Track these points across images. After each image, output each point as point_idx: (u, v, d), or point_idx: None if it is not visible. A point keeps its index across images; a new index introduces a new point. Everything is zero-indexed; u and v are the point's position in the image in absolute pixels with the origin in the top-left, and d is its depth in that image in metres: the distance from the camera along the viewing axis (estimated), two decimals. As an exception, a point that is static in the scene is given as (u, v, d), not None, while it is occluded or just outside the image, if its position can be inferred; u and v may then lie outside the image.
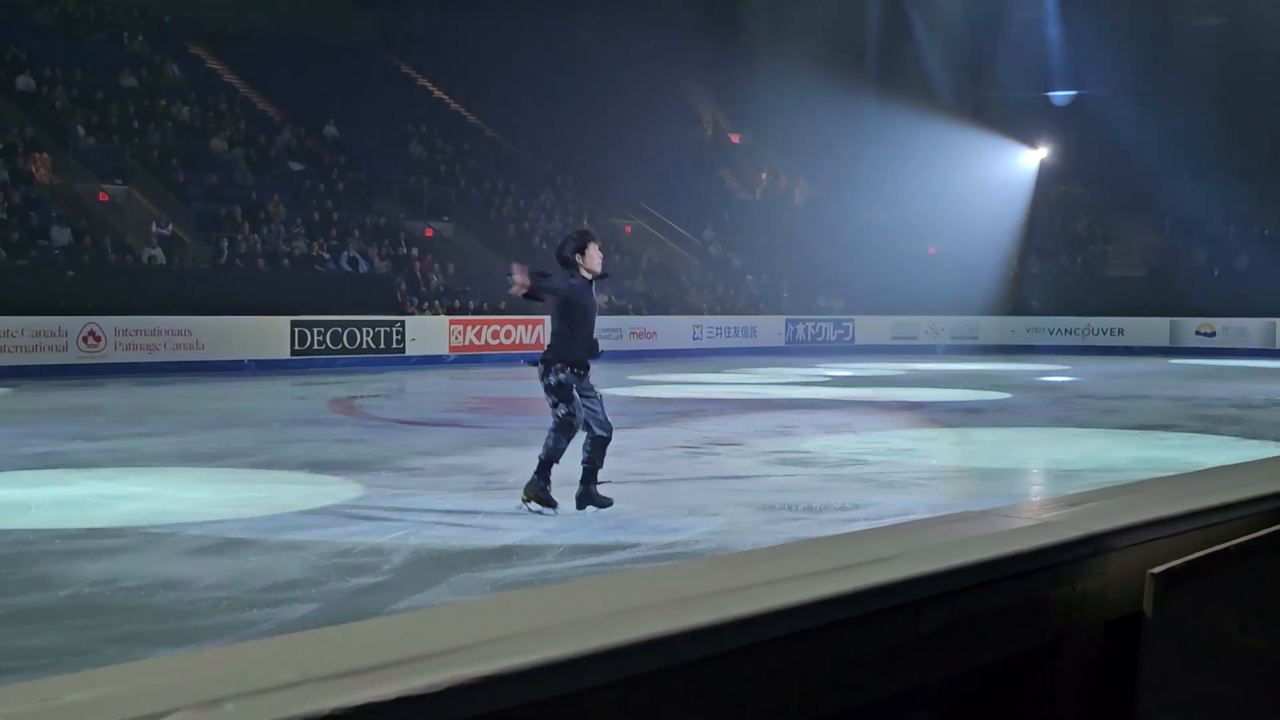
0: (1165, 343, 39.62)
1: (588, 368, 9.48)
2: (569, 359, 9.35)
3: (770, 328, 39.86)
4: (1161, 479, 2.41)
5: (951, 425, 16.90)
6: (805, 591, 1.43)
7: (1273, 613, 2.22)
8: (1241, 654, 2.11)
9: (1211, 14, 47.56)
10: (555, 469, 9.41)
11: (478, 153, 43.06)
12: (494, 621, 1.28)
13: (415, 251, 35.71)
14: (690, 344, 37.11)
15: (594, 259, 9.61)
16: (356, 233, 34.89)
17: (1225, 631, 2.06)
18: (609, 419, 9.46)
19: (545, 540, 8.59)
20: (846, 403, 20.67)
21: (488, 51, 44.80)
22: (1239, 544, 2.05)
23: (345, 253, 33.68)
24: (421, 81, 45.32)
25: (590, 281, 9.63)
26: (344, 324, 30.13)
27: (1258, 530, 2.14)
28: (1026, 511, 2.03)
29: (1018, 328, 41.68)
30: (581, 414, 9.37)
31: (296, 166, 37.31)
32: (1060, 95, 49.04)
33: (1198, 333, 40.04)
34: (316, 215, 34.81)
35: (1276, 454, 12.62)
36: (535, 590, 1.43)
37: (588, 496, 9.43)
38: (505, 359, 32.05)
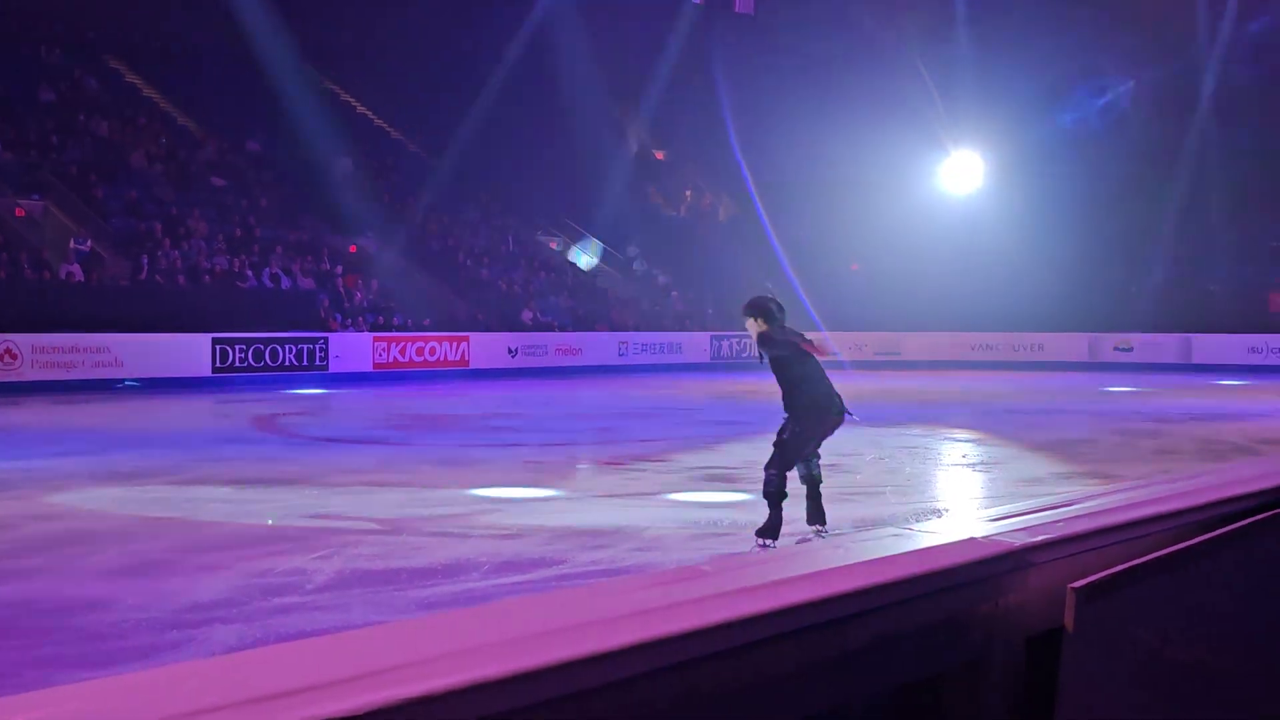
0: (1084, 358, 40.19)
1: None
2: None
3: (695, 344, 39.97)
4: (1081, 494, 2.43)
5: (878, 441, 17.00)
6: (728, 610, 1.43)
7: (1192, 625, 2.25)
8: (1161, 666, 2.14)
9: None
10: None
11: (401, 169, 42.85)
12: (418, 642, 1.27)
13: (339, 268, 35.44)
14: (616, 360, 37.12)
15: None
16: (279, 249, 34.59)
17: (1145, 644, 2.08)
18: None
19: (470, 559, 8.54)
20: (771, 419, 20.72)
21: (413, 67, 44.64)
22: (1158, 557, 2.07)
23: (268, 269, 33.36)
24: (345, 97, 45.03)
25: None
26: (266, 341, 29.83)
27: (1176, 543, 2.17)
28: (949, 528, 2.04)
29: (941, 343, 42.08)
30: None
31: (218, 182, 36.92)
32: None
33: (1115, 348, 40.66)
34: (238, 231, 34.46)
35: (1193, 468, 12.84)
36: (460, 611, 1.42)
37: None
38: (429, 375, 31.89)
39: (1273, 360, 38.17)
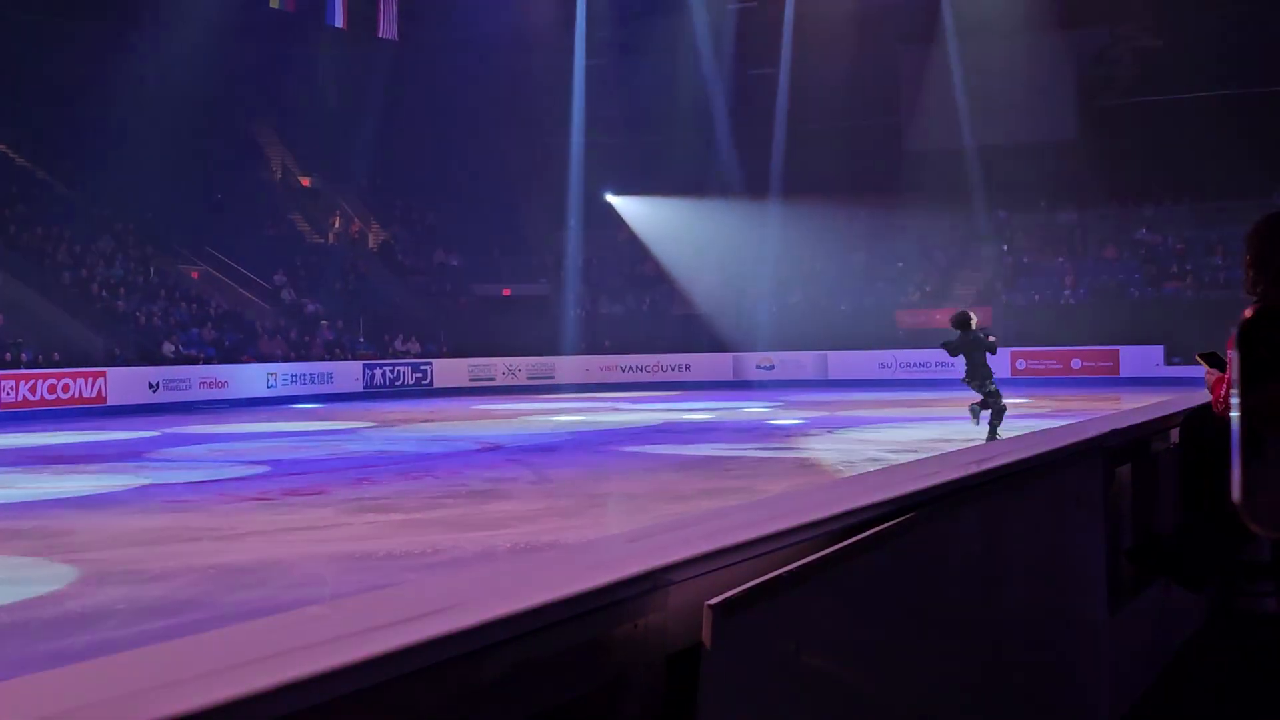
0: (729, 377, 41.61)
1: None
2: None
3: (347, 372, 39.31)
4: (718, 509, 2.48)
5: (528, 464, 17.10)
6: (364, 648, 1.38)
7: (825, 632, 2.32)
8: (799, 675, 2.19)
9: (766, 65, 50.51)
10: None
11: (28, 197, 40.52)
12: (52, 698, 1.17)
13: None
14: (265, 392, 36.12)
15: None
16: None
17: (782, 654, 2.13)
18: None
19: (108, 606, 8.10)
20: (424, 447, 20.60)
21: (37, 89, 42.27)
22: (791, 570, 2.12)
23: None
24: (-38, 121, 42.28)
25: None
26: (-124, 382, 27.69)
27: (808, 555, 2.23)
28: (592, 550, 2.04)
29: (592, 366, 42.76)
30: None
31: None
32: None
33: (758, 366, 42.28)
34: None
35: (829, 480, 13.43)
36: (90, 663, 1.32)
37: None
38: (61, 415, 30.25)
39: (900, 374, 40.50)
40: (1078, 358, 39.46)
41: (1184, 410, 5.48)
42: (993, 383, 17.48)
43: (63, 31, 44.20)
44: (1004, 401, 17.72)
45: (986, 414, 17.55)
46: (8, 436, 25.03)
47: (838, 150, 46.77)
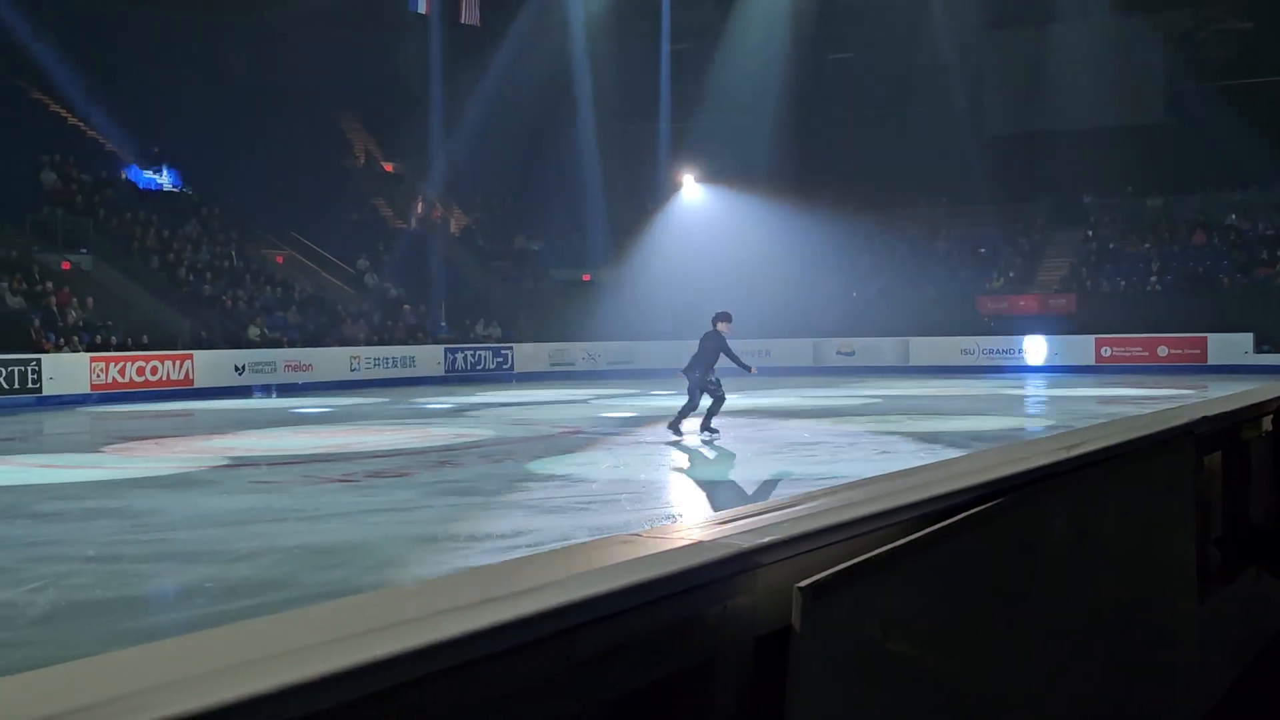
0: (809, 363, 41.45)
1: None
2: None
3: (429, 356, 39.64)
4: (806, 494, 2.48)
5: (608, 448, 17.15)
6: (457, 626, 1.39)
7: (910, 619, 2.31)
8: (884, 660, 2.19)
9: (844, 49, 50.22)
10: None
11: (117, 182, 41.21)
12: (144, 672, 1.19)
13: (51, 286, 33.87)
14: (348, 375, 36.52)
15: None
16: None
17: (869, 640, 2.13)
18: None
19: (195, 585, 8.24)
20: (505, 431, 20.71)
21: (126, 77, 42.92)
22: (878, 554, 2.12)
23: (-28, 289, 31.68)
24: (54, 108, 43.01)
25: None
26: (-28, 364, 28.31)
27: (894, 540, 2.22)
28: (677, 532, 2.05)
29: (672, 352, 42.73)
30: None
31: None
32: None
33: (839, 352, 42.10)
34: (-61, 249, 32.64)
35: (911, 465, 13.34)
36: (185, 638, 1.34)
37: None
38: (152, 396, 30.76)
39: (983, 361, 40.15)
40: (1164, 345, 38.88)
41: (1277, 398, 5.38)
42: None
43: (152, 19, 44.89)
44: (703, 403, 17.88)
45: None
46: (98, 419, 25.52)
47: (918, 135, 46.46)
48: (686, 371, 17.99)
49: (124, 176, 41.89)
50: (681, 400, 18.36)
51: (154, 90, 42.99)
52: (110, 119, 42.68)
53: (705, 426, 17.74)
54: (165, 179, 42.79)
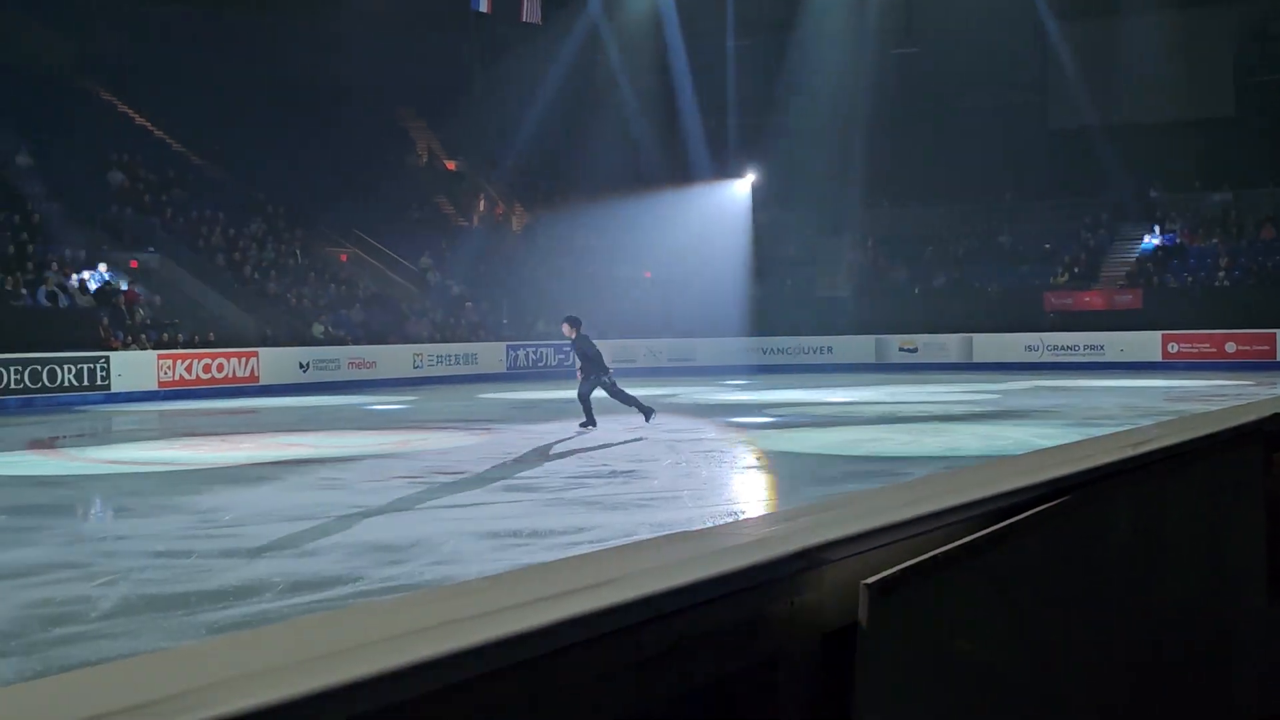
0: (871, 359, 41.24)
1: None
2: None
3: (491, 354, 39.80)
4: (871, 491, 2.48)
5: (675, 446, 17.16)
6: (523, 621, 1.41)
7: (976, 617, 2.30)
8: (950, 659, 2.18)
9: (908, 43, 49.90)
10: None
11: (184, 181, 41.67)
12: (209, 666, 1.21)
13: (119, 284, 34.32)
14: (411, 373, 36.73)
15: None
16: (55, 265, 33.32)
17: (935, 638, 2.12)
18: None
19: (263, 579, 8.32)
20: (567, 426, 20.76)
21: (192, 77, 43.39)
22: (943, 552, 2.11)
23: (43, 286, 32.12)
24: (122, 108, 43.54)
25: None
26: (43, 361, 28.71)
27: (960, 538, 2.22)
28: (743, 529, 2.05)
29: (733, 348, 42.67)
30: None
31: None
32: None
33: (901, 349, 41.84)
34: (11, 248, 33.09)
35: (975, 464, 13.25)
36: (251, 632, 1.36)
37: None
38: (218, 393, 31.10)
39: (1048, 358, 39.77)
40: (1232, 341, 38.36)
41: (1349, 395, 5.30)
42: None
43: (216, 21, 45.36)
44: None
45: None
46: (165, 415, 25.83)
47: (982, 129, 46.11)
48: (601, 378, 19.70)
49: (190, 177, 42.34)
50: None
51: (220, 90, 43.41)
52: (176, 119, 43.14)
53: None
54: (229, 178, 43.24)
